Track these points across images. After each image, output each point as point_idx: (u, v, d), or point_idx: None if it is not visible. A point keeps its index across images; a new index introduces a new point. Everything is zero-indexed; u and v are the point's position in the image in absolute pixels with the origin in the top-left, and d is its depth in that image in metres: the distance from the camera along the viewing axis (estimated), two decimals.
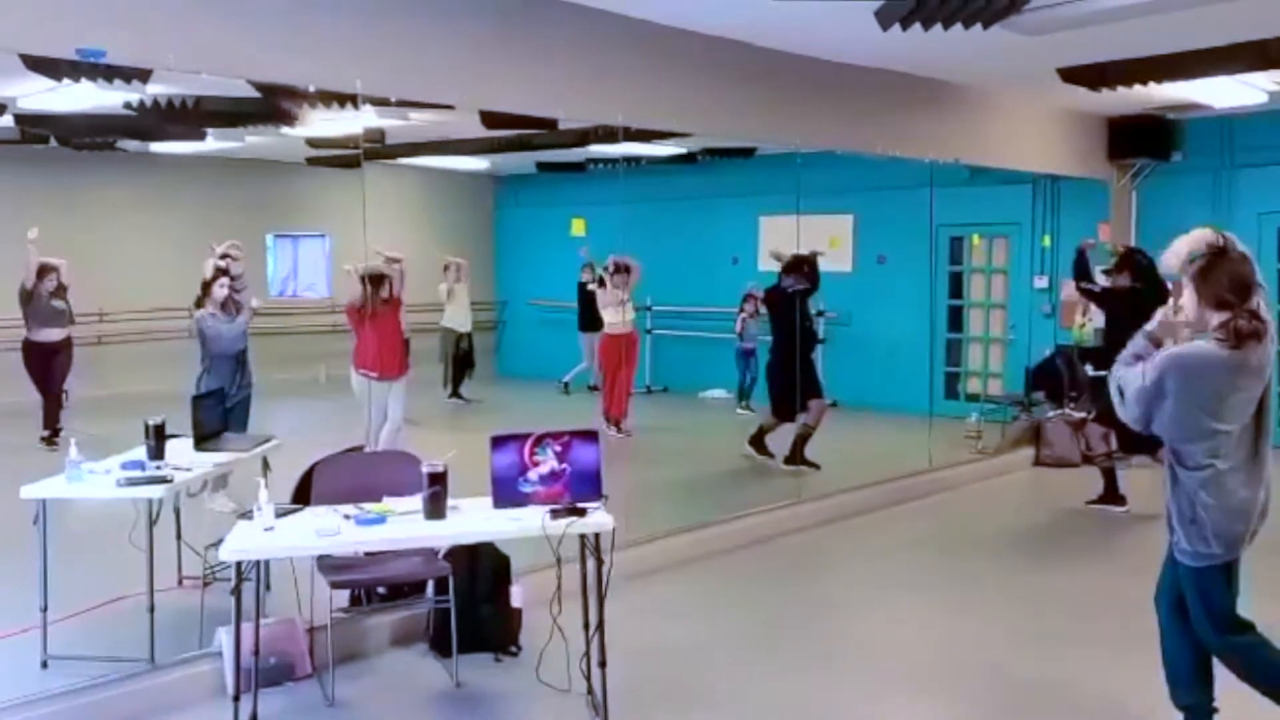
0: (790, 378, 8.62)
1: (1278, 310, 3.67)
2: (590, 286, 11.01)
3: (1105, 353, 7.78)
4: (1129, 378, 3.64)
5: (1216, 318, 3.55)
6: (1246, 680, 3.69)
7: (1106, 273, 7.93)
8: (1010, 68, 7.78)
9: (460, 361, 11.80)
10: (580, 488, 4.29)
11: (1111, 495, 7.94)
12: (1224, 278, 3.58)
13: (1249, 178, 10.05)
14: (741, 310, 11.10)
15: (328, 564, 4.65)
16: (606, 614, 4.25)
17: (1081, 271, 8.01)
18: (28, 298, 8.11)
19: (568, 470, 4.29)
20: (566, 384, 12.24)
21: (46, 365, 8.33)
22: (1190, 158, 10.38)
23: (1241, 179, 10.08)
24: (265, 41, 4.90)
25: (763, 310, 9.99)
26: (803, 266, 8.80)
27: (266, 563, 4.41)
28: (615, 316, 10.08)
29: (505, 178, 14.06)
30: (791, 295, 8.73)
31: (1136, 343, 3.73)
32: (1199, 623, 3.70)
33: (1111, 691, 4.68)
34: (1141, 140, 10.29)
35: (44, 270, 8.11)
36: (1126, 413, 3.66)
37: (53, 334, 8.29)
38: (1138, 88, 7.98)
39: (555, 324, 12.82)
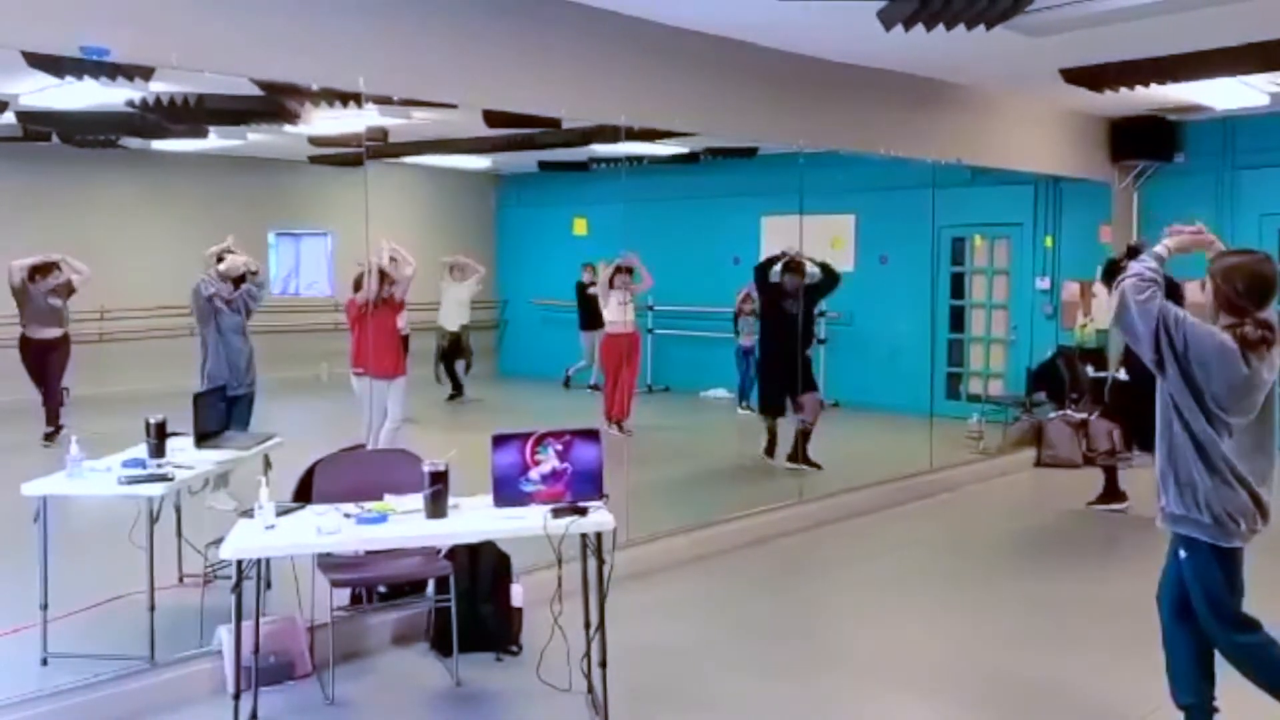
0: (779, 374, 8.59)
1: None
2: (591, 290, 11.06)
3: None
4: (1147, 306, 3.49)
5: (1224, 319, 3.52)
6: (1252, 679, 3.68)
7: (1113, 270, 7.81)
8: (1013, 69, 7.78)
9: (444, 358, 11.79)
10: (581, 487, 4.29)
11: (1111, 493, 7.94)
12: (1239, 278, 3.51)
13: (1251, 179, 10.05)
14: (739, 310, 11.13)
15: (328, 562, 4.66)
16: (607, 614, 4.25)
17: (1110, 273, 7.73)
18: (22, 294, 8.09)
19: (569, 469, 4.29)
20: (569, 377, 12.27)
21: (42, 361, 8.30)
22: (1192, 159, 10.38)
23: (1243, 180, 10.08)
24: (268, 40, 4.90)
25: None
26: (801, 269, 8.78)
27: (267, 561, 4.41)
28: (617, 316, 10.10)
29: (507, 177, 14.07)
30: (785, 293, 8.73)
31: (1148, 264, 3.58)
32: (1204, 619, 3.68)
33: (1114, 693, 4.68)
34: (1144, 141, 10.29)
35: (44, 269, 8.08)
36: (1134, 326, 3.52)
37: (48, 332, 8.28)
38: (1140, 89, 7.98)
39: (557, 323, 12.84)
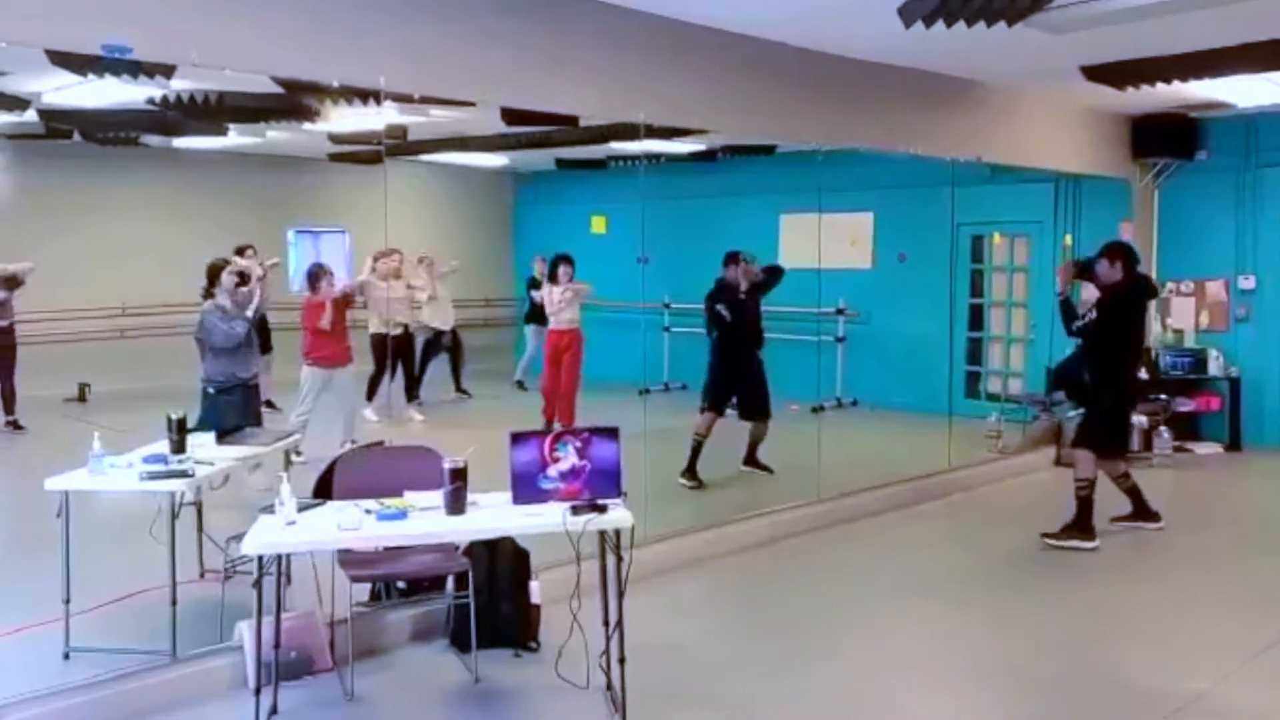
0: (728, 374, 8.48)
1: None
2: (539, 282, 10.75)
3: (1106, 367, 7.16)
4: None
5: None
6: None
7: (1090, 275, 7.36)
8: (1033, 66, 7.73)
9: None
10: (600, 484, 4.29)
11: (1142, 512, 7.34)
12: None
13: (1273, 177, 9.96)
14: None
15: (348, 558, 4.67)
16: (624, 611, 4.25)
17: (1069, 315, 7.26)
18: None
19: (587, 467, 4.29)
20: (520, 381, 12.14)
21: None
22: (1214, 157, 10.30)
23: (1266, 178, 10.00)
24: (288, 38, 4.91)
25: None
26: (738, 259, 8.49)
27: (288, 556, 4.42)
28: (557, 311, 9.57)
29: (525, 174, 14.09)
30: (731, 288, 8.47)
31: None
32: None
33: (1126, 692, 4.66)
34: (1165, 139, 10.22)
35: None
36: None
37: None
38: (1161, 86, 7.92)
39: None
